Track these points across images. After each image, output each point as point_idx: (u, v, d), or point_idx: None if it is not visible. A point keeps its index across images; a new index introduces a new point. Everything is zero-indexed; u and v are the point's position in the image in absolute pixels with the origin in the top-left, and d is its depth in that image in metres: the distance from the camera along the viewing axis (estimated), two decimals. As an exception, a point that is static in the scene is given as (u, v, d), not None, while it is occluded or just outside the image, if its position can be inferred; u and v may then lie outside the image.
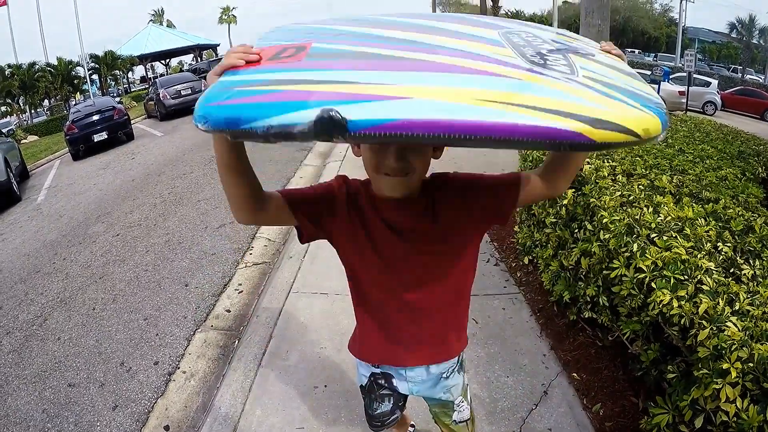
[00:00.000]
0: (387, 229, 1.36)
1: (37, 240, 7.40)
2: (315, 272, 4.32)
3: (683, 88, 18.04)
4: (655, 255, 2.16)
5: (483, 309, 3.55)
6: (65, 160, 15.62)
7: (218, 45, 58.43)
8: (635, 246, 2.27)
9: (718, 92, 22.23)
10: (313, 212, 1.36)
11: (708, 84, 22.13)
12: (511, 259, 4.25)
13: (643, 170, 3.20)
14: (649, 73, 18.81)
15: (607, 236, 2.44)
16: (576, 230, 2.84)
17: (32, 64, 34.92)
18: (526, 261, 3.89)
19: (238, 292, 4.46)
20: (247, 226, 5.68)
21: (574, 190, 2.93)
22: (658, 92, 13.97)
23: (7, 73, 33.43)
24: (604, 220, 2.49)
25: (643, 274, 2.16)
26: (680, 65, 30.29)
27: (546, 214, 3.21)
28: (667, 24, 57.26)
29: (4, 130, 18.20)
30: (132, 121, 17.81)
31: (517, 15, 67.62)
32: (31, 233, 7.89)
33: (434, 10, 26.76)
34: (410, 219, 1.36)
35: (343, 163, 7.61)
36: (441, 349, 1.58)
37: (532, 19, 65.66)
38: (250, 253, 5.20)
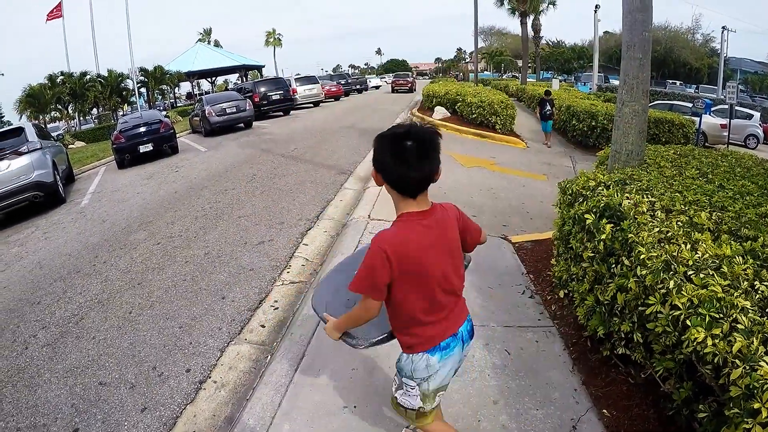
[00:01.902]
0: None
1: (78, 242, 7.67)
2: (352, 295, 4.36)
3: (725, 121, 17.63)
4: (691, 292, 2.16)
5: (516, 341, 3.55)
6: (110, 168, 16.16)
7: (263, 66, 60.10)
8: (672, 283, 2.26)
9: (760, 125, 21.53)
10: None
11: (750, 116, 21.45)
12: (547, 292, 4.23)
13: (682, 206, 3.17)
14: (690, 105, 18.46)
15: (644, 272, 2.43)
16: (613, 265, 2.83)
17: (83, 74, 36.50)
18: (561, 294, 3.87)
19: (274, 309, 4.53)
20: (286, 245, 5.96)
21: (612, 225, 2.92)
22: (700, 125, 13.78)
23: (58, 81, 34.86)
24: (642, 256, 2.49)
25: (679, 312, 2.17)
26: (722, 97, 29.65)
27: (584, 248, 3.20)
28: (708, 54, 56.54)
29: (54, 134, 18.97)
30: (177, 135, 18.32)
31: (558, 45, 67.63)
32: (73, 234, 8.19)
33: (476, 40, 26.90)
34: None
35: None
36: None
37: (573, 49, 65.46)
38: (288, 272, 5.27)
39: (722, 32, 43.01)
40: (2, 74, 50.22)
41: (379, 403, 2.99)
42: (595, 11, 31.82)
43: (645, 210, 3.04)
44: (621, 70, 4.72)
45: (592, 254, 3.06)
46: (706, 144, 17.81)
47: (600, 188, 3.52)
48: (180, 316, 4.64)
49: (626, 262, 2.66)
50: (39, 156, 10.89)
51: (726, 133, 17.19)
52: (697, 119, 13.88)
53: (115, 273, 5.98)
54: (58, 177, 11.60)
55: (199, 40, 65.19)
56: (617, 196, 3.27)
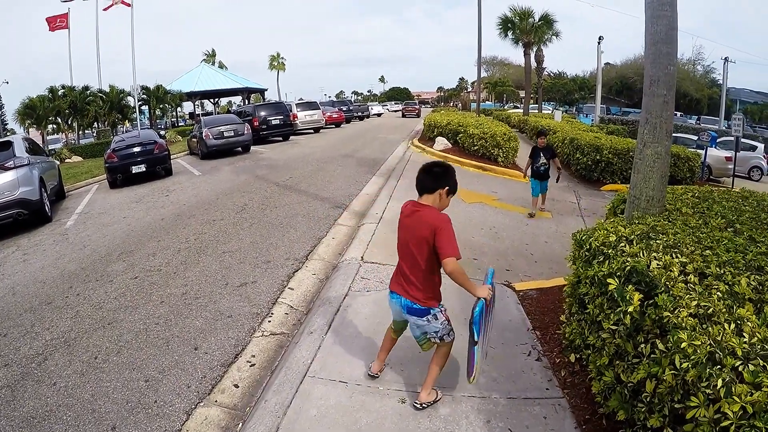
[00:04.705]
0: None
1: (56, 268, 7.30)
2: (336, 354, 3.89)
3: (730, 154, 17.26)
4: (744, 396, 1.80)
5: (520, 417, 3.09)
6: (102, 187, 15.84)
7: (266, 90, 60.39)
8: (719, 381, 1.87)
9: (764, 156, 21.00)
10: None
11: (754, 148, 20.88)
12: (555, 353, 3.77)
13: (717, 269, 2.74)
14: (695, 138, 18.16)
15: (685, 365, 2.00)
16: (641, 344, 2.39)
17: (85, 88, 36.43)
18: (572, 359, 3.41)
19: (250, 365, 4.09)
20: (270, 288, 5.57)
21: (640, 293, 2.49)
22: (705, 158, 13.44)
23: (60, 93, 34.71)
24: (682, 344, 2.06)
25: (729, 422, 1.81)
26: (724, 128, 29.30)
27: (604, 316, 2.76)
28: (708, 85, 56.75)
29: (51, 147, 18.68)
30: (173, 156, 17.92)
31: (560, 76, 67.93)
32: (51, 260, 7.80)
33: (479, 70, 26.86)
34: None
35: (379, 225, 7.24)
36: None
37: (575, 80, 65.73)
38: (269, 321, 4.82)
39: (724, 63, 43.03)
40: (6, 82, 50.55)
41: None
42: (599, 42, 31.70)
43: (677, 274, 2.61)
44: (643, 108, 4.30)
45: (616, 327, 2.62)
46: (711, 177, 17.50)
47: (622, 244, 3.09)
48: (147, 366, 4.20)
49: (661, 346, 2.21)
50: (25, 172, 10.59)
51: (731, 166, 16.82)
52: (701, 152, 13.55)
53: (87, 308, 5.57)
54: (44, 195, 11.29)
55: (204, 61, 65.46)
56: (643, 255, 2.84)
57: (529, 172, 9.09)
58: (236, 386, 3.79)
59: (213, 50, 71.00)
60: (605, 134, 16.67)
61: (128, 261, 7.06)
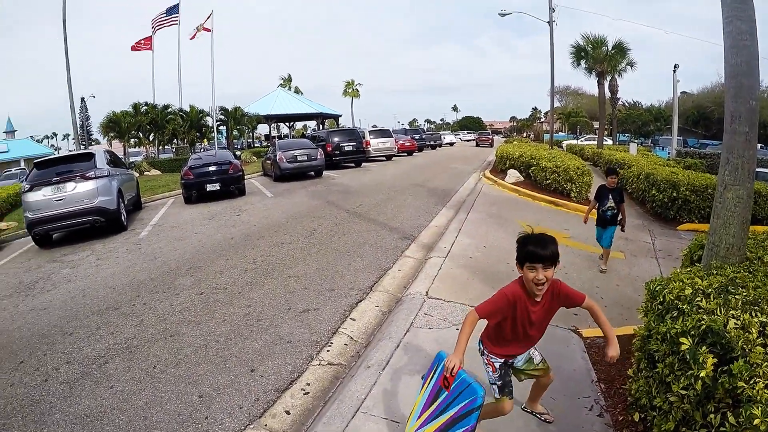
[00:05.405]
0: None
1: (126, 275, 7.67)
2: (391, 392, 3.80)
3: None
4: None
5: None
6: (177, 201, 16.58)
7: (341, 115, 61.85)
8: None
9: None
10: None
11: None
12: (619, 410, 3.52)
13: (802, 332, 2.50)
14: (777, 174, 16.77)
15: (756, 444, 1.83)
16: (711, 413, 2.20)
17: (166, 107, 38.69)
18: (636, 418, 3.18)
19: (304, 393, 4.06)
20: (332, 317, 5.53)
21: (716, 360, 2.30)
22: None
23: (142, 110, 36.94)
24: (755, 421, 1.87)
25: None
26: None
27: (674, 377, 2.57)
28: (790, 113, 52.69)
29: (132, 160, 19.80)
30: (247, 176, 18.39)
31: (634, 106, 65.46)
32: (123, 267, 8.21)
33: (552, 100, 26.41)
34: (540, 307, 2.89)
35: (446, 260, 7.05)
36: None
37: (650, 110, 63.12)
38: (328, 350, 4.77)
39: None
40: (93, 96, 54.47)
41: None
42: (674, 71, 30.22)
43: (755, 336, 2.40)
44: (723, 146, 4.01)
45: (685, 390, 2.42)
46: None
47: (698, 299, 2.87)
48: (203, 382, 4.28)
49: (732, 419, 2.03)
50: (105, 182, 11.39)
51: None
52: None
53: (151, 318, 5.80)
54: (122, 205, 12.04)
55: (280, 85, 67.66)
56: (720, 312, 2.63)
57: (590, 215, 7.97)
58: (287, 413, 3.78)
59: (289, 75, 73.20)
60: (682, 169, 15.78)
61: (196, 276, 7.28)
